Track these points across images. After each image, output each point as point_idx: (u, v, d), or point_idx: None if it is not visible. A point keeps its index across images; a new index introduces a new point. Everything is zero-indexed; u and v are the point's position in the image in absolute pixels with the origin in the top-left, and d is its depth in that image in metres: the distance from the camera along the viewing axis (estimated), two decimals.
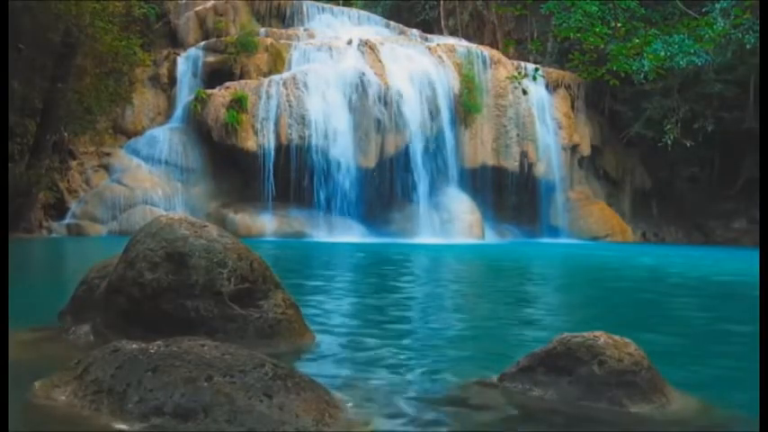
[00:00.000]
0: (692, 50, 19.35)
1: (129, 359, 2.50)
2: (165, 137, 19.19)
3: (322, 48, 20.69)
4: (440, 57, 21.52)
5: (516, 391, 2.87)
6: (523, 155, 22.65)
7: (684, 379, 3.06)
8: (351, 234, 18.72)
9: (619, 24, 9.64)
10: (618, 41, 10.31)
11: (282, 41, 20.97)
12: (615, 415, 2.62)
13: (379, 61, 20.37)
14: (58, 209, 17.26)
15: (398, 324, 4.95)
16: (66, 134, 16.51)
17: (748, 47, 19.36)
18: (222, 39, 20.67)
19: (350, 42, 20.88)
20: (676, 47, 19.13)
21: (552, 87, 23.75)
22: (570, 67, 14.46)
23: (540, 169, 22.84)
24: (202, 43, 20.86)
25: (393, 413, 2.64)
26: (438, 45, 22.37)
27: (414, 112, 20.04)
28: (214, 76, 20.03)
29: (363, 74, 19.79)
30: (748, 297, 7.14)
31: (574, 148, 24.10)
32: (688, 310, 6.61)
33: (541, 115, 23.07)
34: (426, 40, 23.37)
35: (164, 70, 20.35)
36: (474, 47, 23.06)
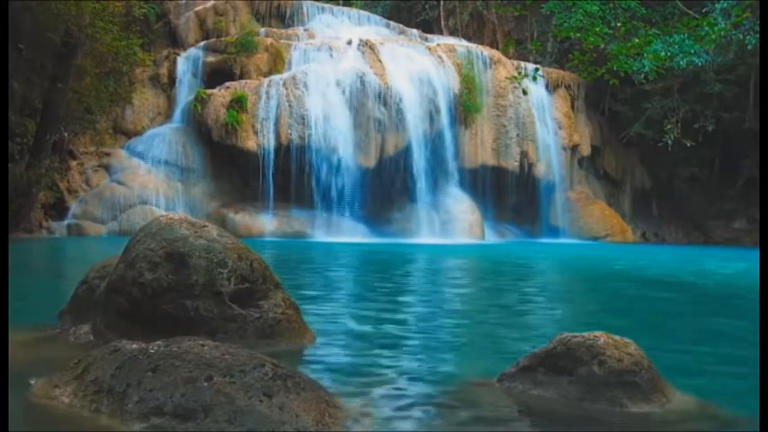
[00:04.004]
0: (692, 50, 19.37)
1: (129, 359, 2.50)
2: (165, 137, 19.19)
3: (322, 48, 20.69)
4: (440, 57, 21.52)
5: (516, 391, 2.87)
6: (523, 155, 22.65)
7: (684, 379, 3.06)
8: (351, 234, 18.72)
9: (619, 24, 9.64)
10: (618, 41, 10.31)
11: (282, 41, 20.97)
12: (615, 415, 2.62)
13: (379, 61, 20.37)
14: (58, 209, 17.25)
15: (398, 324, 4.95)
16: (66, 134, 16.49)
17: (749, 47, 19.36)
18: (222, 39, 20.68)
19: (350, 42, 20.88)
20: (676, 47, 19.14)
21: (552, 87, 23.75)
22: (570, 66, 14.46)
23: (539, 169, 22.85)
24: (202, 43, 20.87)
25: (393, 413, 2.64)
26: (438, 45, 22.37)
27: (414, 112, 20.04)
28: (214, 76, 20.03)
29: (363, 74, 19.79)
30: (749, 297, 7.14)
31: (574, 148, 24.11)
32: (688, 309, 6.62)
33: (541, 115, 23.08)
34: (426, 40, 23.37)
35: (164, 70, 20.36)
36: (474, 47, 23.06)
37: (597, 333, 2.84)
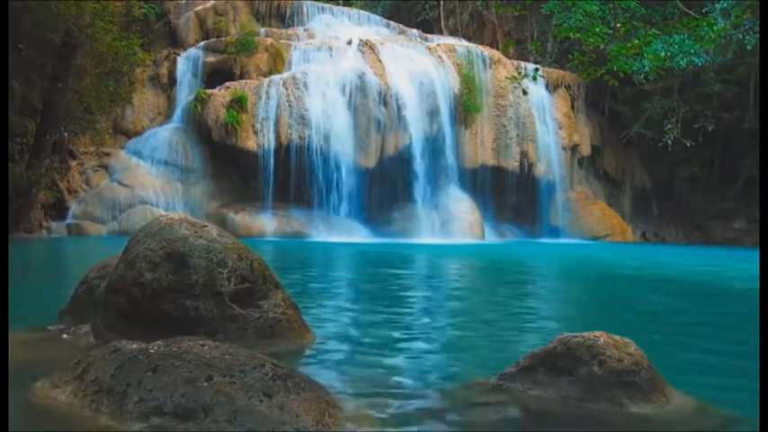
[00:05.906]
0: (692, 50, 19.36)
1: (129, 359, 2.50)
2: (165, 137, 19.19)
3: (322, 48, 20.69)
4: (440, 57, 21.51)
5: (516, 391, 2.86)
6: (523, 155, 22.65)
7: (684, 379, 3.06)
8: (351, 234, 18.72)
9: (619, 24, 9.64)
10: (618, 41, 10.31)
11: (282, 41, 20.97)
12: (615, 415, 2.62)
13: (379, 61, 20.37)
14: (58, 209, 17.25)
15: (398, 324, 4.94)
16: (66, 134, 16.49)
17: (749, 47, 19.36)
18: (222, 39, 20.68)
19: (350, 42, 20.88)
20: (676, 47, 19.14)
21: (552, 87, 23.75)
22: (570, 67, 14.47)
23: (539, 169, 22.85)
24: (202, 43, 20.86)
25: (393, 413, 2.64)
26: (438, 45, 22.37)
27: (414, 111, 20.03)
28: (214, 76, 20.03)
29: (363, 74, 19.79)
30: (749, 297, 7.14)
31: (574, 148, 24.11)
32: (687, 309, 6.61)
33: (541, 115, 23.08)
34: (426, 40, 23.37)
35: (164, 70, 20.36)
36: (474, 47, 23.06)
37: (597, 333, 2.84)
